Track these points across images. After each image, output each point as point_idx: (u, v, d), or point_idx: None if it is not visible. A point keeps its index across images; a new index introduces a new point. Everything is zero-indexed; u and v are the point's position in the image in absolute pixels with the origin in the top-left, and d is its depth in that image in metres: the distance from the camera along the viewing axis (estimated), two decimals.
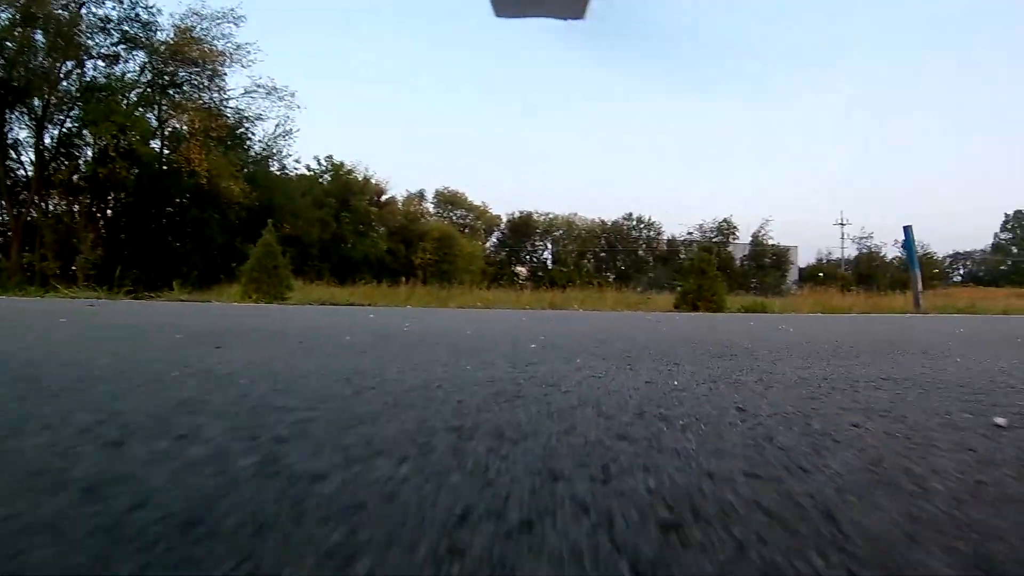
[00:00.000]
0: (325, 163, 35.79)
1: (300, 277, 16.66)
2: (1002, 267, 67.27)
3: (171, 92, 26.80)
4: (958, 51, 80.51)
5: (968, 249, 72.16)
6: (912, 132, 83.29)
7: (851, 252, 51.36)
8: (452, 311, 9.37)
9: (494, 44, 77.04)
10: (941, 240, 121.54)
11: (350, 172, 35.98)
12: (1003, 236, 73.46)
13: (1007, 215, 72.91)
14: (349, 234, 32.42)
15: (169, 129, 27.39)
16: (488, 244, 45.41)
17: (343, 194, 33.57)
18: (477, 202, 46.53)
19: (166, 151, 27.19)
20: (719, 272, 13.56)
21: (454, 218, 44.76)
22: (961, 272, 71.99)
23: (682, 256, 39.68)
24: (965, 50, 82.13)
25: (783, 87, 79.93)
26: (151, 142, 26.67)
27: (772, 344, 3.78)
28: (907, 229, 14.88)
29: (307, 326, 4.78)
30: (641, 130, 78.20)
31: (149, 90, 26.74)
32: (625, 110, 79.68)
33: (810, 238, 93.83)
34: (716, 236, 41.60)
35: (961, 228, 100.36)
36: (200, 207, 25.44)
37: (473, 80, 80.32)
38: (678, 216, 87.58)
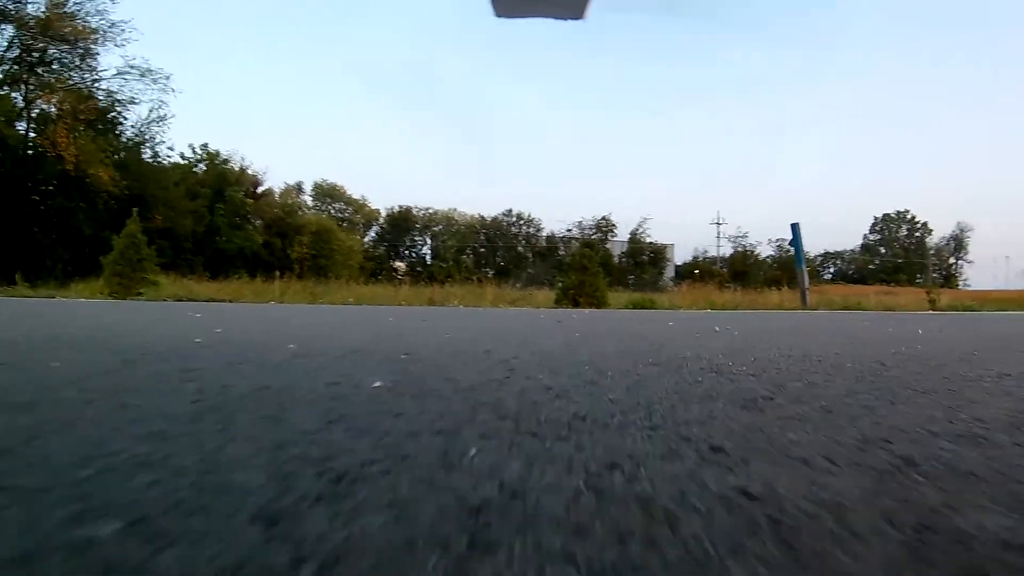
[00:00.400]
0: (200, 151, 33.04)
1: (172, 271, 14.92)
2: (870, 266, 70.83)
3: (39, 71, 24.27)
4: (830, 54, 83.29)
5: (838, 249, 75.54)
6: (789, 135, 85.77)
7: (727, 250, 52.07)
8: (316, 308, 7.91)
9: (375, 33, 73.66)
10: (813, 240, 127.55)
11: (226, 162, 33.43)
12: (872, 237, 77.33)
13: (876, 218, 76.88)
14: (224, 226, 29.80)
15: (36, 111, 24.59)
16: (367, 238, 43.86)
17: (218, 184, 31.02)
18: (356, 195, 44.71)
19: (32, 134, 24.18)
20: (600, 268, 13.36)
21: (332, 211, 42.73)
22: (831, 270, 75.75)
23: (561, 252, 39.53)
24: (838, 53, 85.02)
25: (659, 87, 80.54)
26: (16, 124, 24.00)
27: (768, 363, 2.38)
28: (794, 227, 14.36)
29: (68, 335, 3.07)
30: (522, 125, 77.07)
31: (16, 67, 24.18)
32: (507, 104, 78.28)
33: (687, 237, 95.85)
34: (595, 233, 41.54)
35: (832, 229, 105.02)
36: (66, 195, 22.64)
37: (354, 70, 77.75)
38: (557, 213, 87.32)
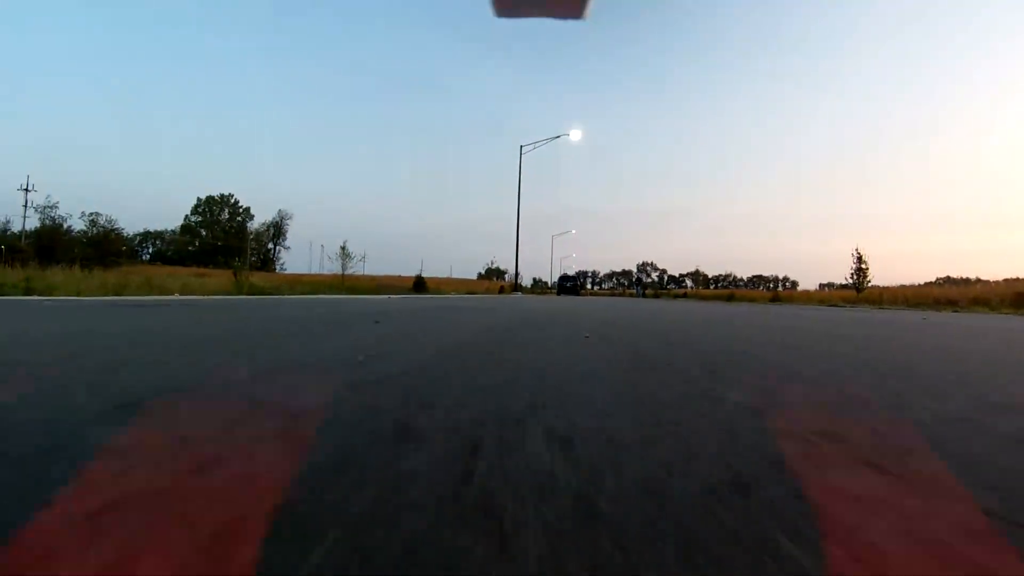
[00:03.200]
0: None
1: None
2: (190, 248, 67.48)
3: None
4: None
5: (160, 228, 70.24)
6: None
7: (34, 223, 43.40)
8: None
9: None
10: (134, 219, 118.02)
11: None
12: (193, 219, 73.01)
13: (199, 199, 72.93)
14: None
15: None
16: None
17: None
18: None
19: None
20: None
21: None
22: (150, 251, 70.35)
23: None
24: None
25: None
26: None
27: None
28: None
29: None
30: None
31: None
32: None
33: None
34: None
35: (152, 208, 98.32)
36: None
37: None
38: None
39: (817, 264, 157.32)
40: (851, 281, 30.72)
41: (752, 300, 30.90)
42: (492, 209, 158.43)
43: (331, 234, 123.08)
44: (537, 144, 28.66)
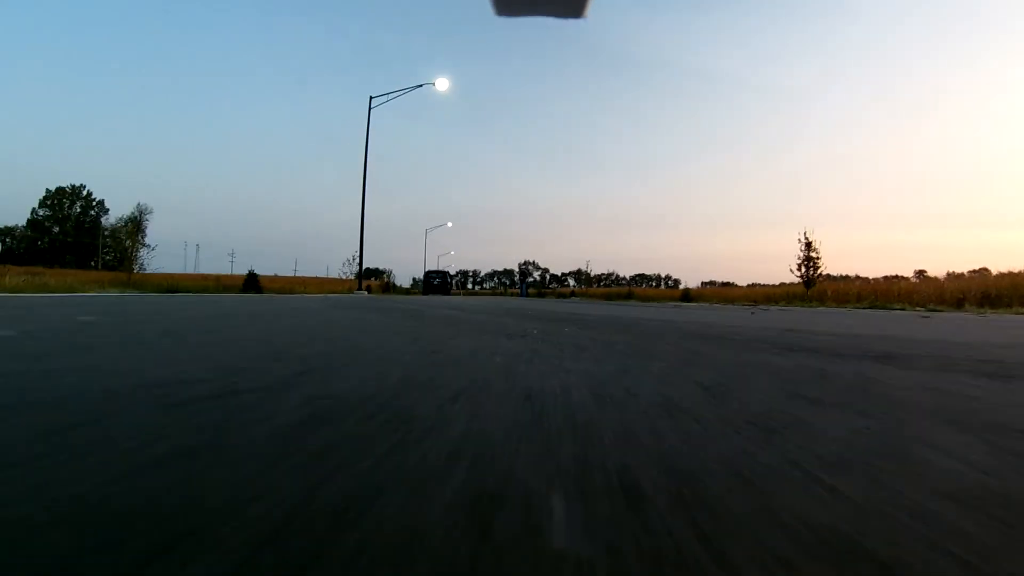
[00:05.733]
0: None
1: None
2: (41, 244, 62.50)
3: None
4: None
5: (9, 225, 64.77)
6: None
7: None
8: None
9: None
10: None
11: None
12: (42, 212, 67.28)
13: (48, 190, 67.32)
14: None
15: None
16: None
17: None
18: None
19: None
20: None
21: None
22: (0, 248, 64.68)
23: None
24: None
25: None
26: None
27: None
28: None
29: None
30: None
31: None
32: None
33: None
34: None
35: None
36: None
37: None
38: None
39: (696, 263, 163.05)
40: (798, 274, 23.09)
41: (649, 299, 27.18)
42: (377, 210, 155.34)
43: (211, 235, 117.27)
44: (392, 95, 25.29)
